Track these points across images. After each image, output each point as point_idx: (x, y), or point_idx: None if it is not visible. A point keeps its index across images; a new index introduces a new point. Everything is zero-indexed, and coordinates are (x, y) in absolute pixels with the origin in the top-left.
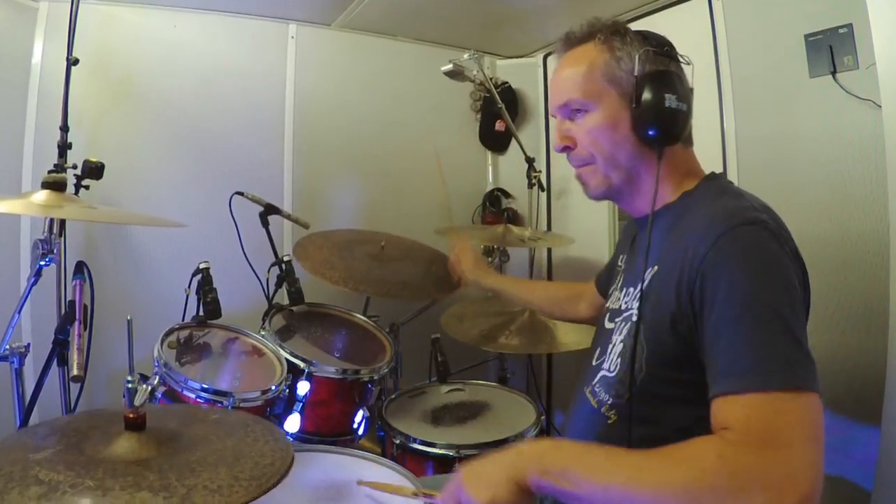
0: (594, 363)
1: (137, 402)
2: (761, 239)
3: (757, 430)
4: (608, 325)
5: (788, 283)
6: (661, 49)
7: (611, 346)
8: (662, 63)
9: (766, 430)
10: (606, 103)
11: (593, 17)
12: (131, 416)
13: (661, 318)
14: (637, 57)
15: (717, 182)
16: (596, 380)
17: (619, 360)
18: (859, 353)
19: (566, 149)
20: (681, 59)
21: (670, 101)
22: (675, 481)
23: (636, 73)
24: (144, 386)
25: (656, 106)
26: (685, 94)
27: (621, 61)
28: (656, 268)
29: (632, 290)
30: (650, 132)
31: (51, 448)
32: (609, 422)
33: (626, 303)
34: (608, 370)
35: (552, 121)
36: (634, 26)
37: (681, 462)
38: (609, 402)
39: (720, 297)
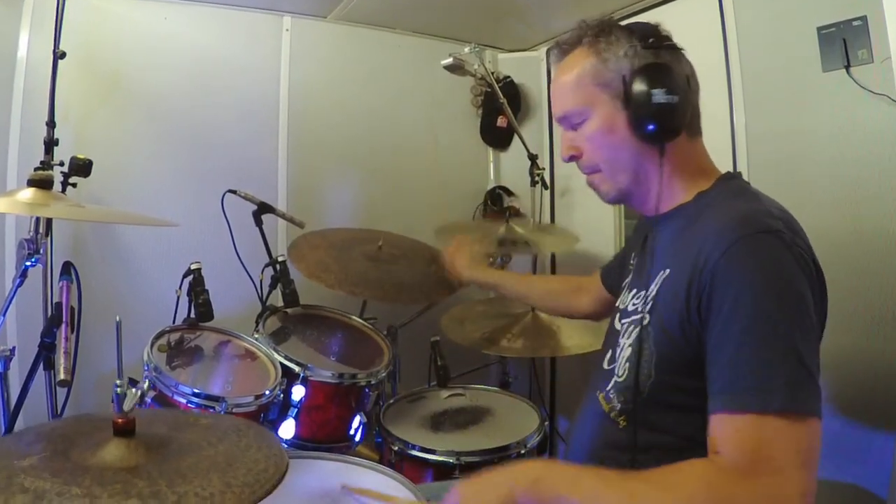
0: (606, 367)
1: (126, 407)
2: (775, 250)
3: (748, 456)
4: (617, 325)
5: (798, 299)
6: (646, 42)
7: (619, 350)
8: (653, 56)
9: (758, 455)
10: (600, 108)
11: (580, 19)
12: (120, 421)
13: (670, 323)
14: (624, 55)
15: (734, 183)
16: (609, 385)
17: (627, 364)
18: (874, 356)
19: (573, 158)
20: (673, 46)
21: (658, 95)
22: None
23: (624, 72)
24: (134, 390)
25: (647, 102)
26: (677, 85)
27: (608, 62)
28: (667, 271)
29: (642, 292)
30: (647, 129)
31: (37, 455)
32: (619, 427)
33: (634, 305)
34: (618, 375)
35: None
36: (641, 19)
37: (670, 488)
38: (619, 408)
39: (727, 309)
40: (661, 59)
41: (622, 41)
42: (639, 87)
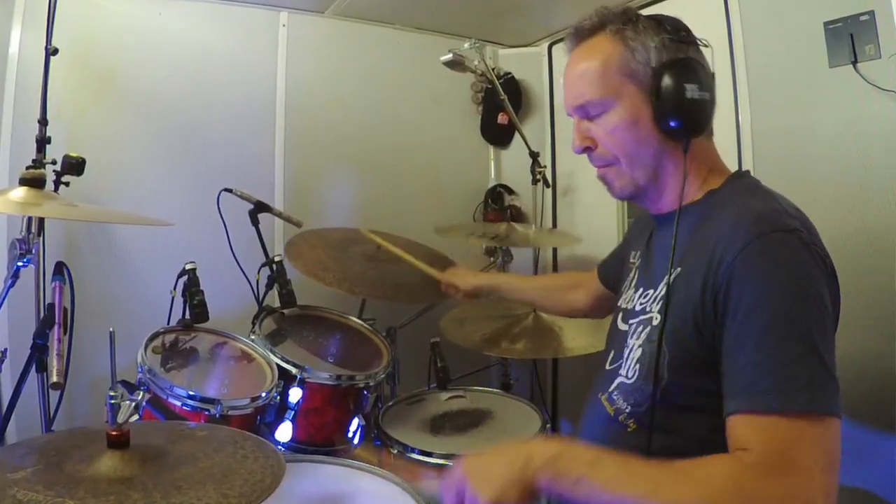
0: (609, 367)
1: (120, 419)
2: (793, 249)
3: (774, 456)
4: (622, 326)
5: (817, 298)
6: (677, 35)
7: (627, 351)
8: (680, 50)
9: (784, 456)
10: (626, 99)
11: (601, 6)
12: (114, 433)
13: (684, 323)
14: (653, 46)
15: (745, 181)
16: (613, 386)
17: (637, 366)
18: (881, 357)
19: (587, 149)
20: (699, 43)
21: (692, 90)
22: (689, 500)
23: (654, 64)
24: (128, 402)
25: (679, 96)
26: (708, 82)
27: (636, 52)
28: (679, 269)
29: (651, 291)
30: (674, 124)
31: (30, 467)
32: (628, 430)
33: (642, 304)
34: (626, 377)
35: (559, 114)
36: (646, 13)
37: (697, 482)
38: (628, 411)
39: (745, 308)
40: (689, 53)
41: (649, 32)
42: (670, 80)
